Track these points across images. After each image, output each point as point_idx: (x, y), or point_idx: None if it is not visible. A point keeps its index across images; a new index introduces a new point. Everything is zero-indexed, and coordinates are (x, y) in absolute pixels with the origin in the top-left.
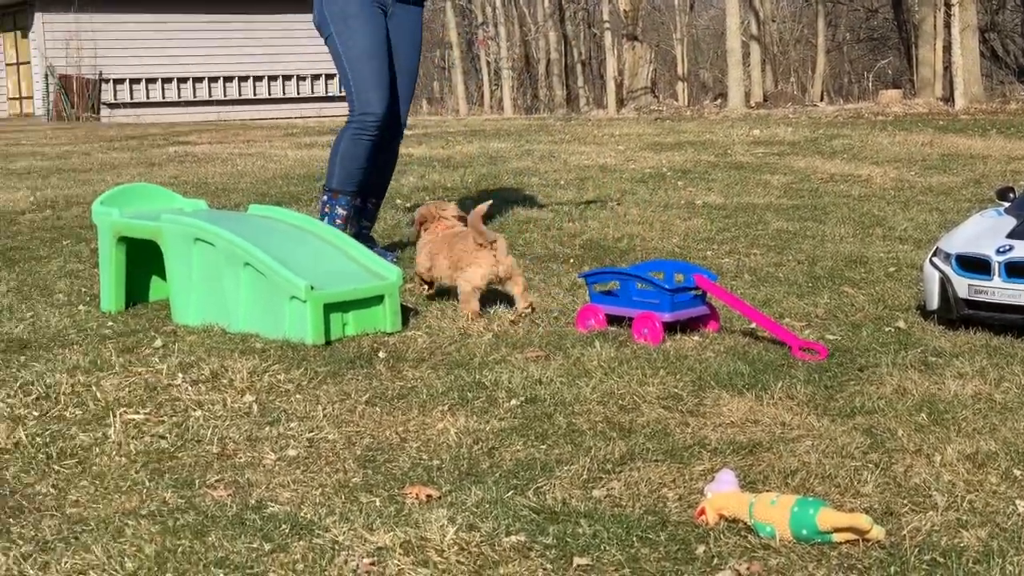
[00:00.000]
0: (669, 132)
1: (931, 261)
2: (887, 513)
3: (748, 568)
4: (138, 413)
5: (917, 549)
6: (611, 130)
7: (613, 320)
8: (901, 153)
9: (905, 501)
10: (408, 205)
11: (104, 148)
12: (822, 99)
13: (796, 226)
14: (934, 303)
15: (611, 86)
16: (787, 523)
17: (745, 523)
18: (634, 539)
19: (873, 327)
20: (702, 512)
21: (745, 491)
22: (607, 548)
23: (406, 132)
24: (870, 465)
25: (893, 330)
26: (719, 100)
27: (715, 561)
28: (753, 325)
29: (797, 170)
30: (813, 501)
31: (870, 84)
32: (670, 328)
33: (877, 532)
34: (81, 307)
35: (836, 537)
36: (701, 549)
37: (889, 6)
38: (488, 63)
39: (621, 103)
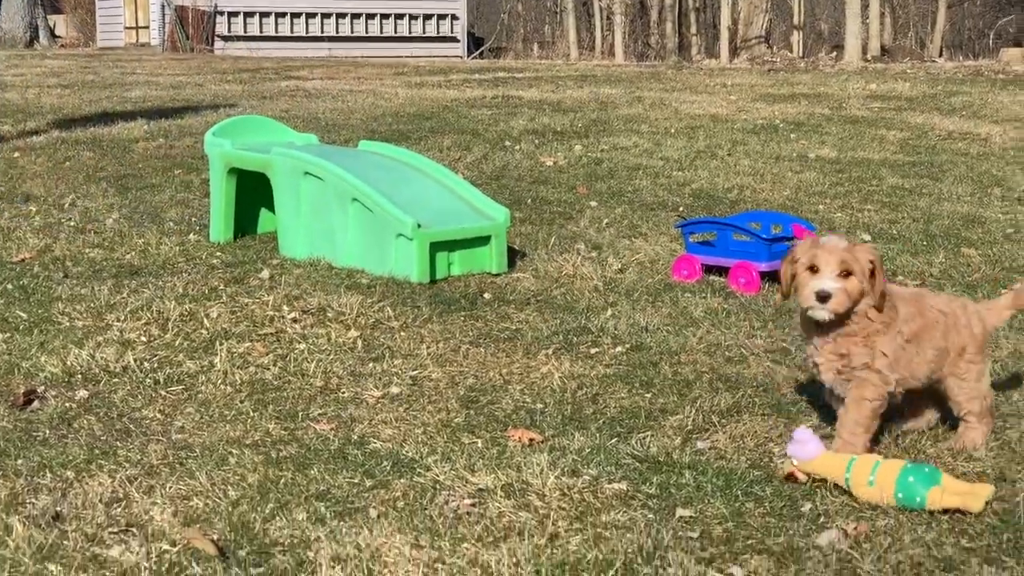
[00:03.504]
0: (783, 83)
1: None
2: (1000, 479)
3: (855, 528)
4: (244, 343)
5: None
6: (723, 79)
7: (711, 270)
8: (1022, 112)
9: (1019, 467)
10: (517, 147)
11: (217, 80)
12: (941, 55)
13: (912, 183)
14: None
15: (724, 35)
16: (892, 503)
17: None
18: (739, 493)
19: (989, 288)
20: (791, 475)
21: (838, 452)
22: (711, 500)
23: (517, 75)
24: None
25: None
26: (834, 52)
27: (821, 519)
28: None
29: (914, 126)
30: (916, 482)
31: (991, 41)
32: (768, 278)
33: (988, 492)
34: (191, 236)
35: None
36: (807, 507)
37: None
38: (600, 8)
39: (734, 52)
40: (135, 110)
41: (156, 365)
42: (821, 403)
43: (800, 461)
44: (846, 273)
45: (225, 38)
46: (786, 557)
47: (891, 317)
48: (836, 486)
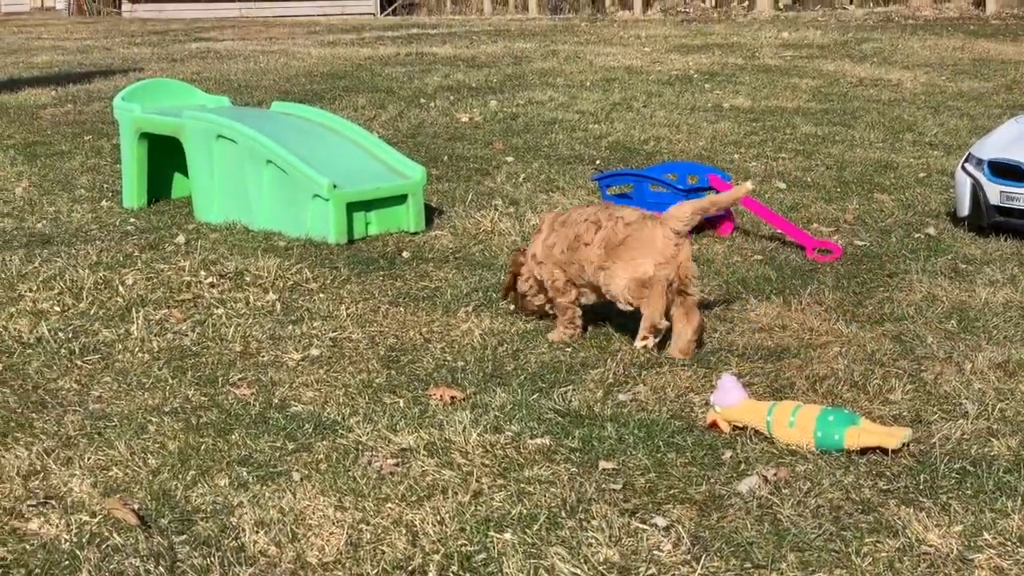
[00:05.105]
0: (696, 34)
1: (963, 167)
2: (916, 421)
3: (775, 474)
4: (161, 310)
5: (947, 458)
6: (637, 31)
7: None
8: (932, 58)
9: (935, 409)
10: (432, 104)
11: (126, 43)
12: (852, 2)
13: (825, 130)
14: (965, 209)
15: None
16: (812, 446)
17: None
18: (660, 443)
19: (903, 233)
20: (714, 424)
21: (760, 400)
22: (633, 452)
23: (431, 32)
24: (899, 372)
25: (923, 236)
26: (747, 1)
27: (742, 467)
28: (778, 229)
29: (826, 74)
30: (835, 422)
31: None
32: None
33: (904, 435)
34: (103, 203)
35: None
36: (728, 454)
37: None
38: None
39: (648, 4)
40: (42, 76)
41: (71, 335)
42: (739, 352)
43: (723, 408)
44: None
45: (133, 0)
46: (708, 505)
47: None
48: (756, 432)
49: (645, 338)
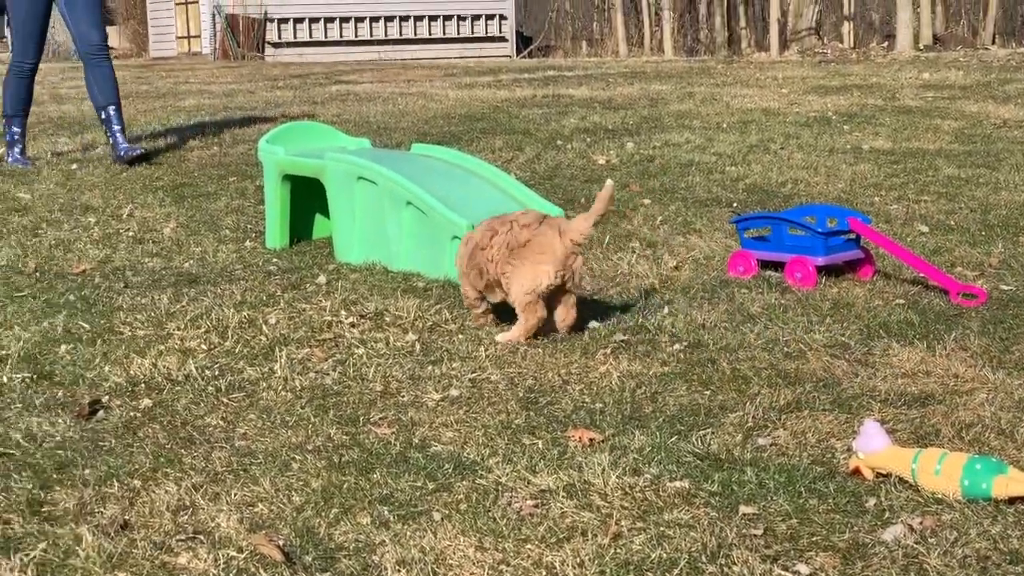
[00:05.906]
0: (834, 75)
1: None
2: None
3: (921, 523)
4: (303, 349)
5: None
6: (774, 73)
7: (767, 266)
8: None
9: None
10: (568, 146)
11: (269, 87)
12: (994, 42)
13: (968, 173)
14: None
15: (774, 27)
16: (959, 495)
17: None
18: (801, 489)
19: None
20: (857, 470)
21: (904, 446)
22: (774, 498)
23: (567, 74)
24: None
25: None
26: (886, 42)
27: (886, 515)
28: (920, 273)
29: (969, 115)
30: (983, 470)
31: None
32: (825, 272)
33: None
34: (247, 243)
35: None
36: (872, 502)
37: None
38: (649, 4)
39: (784, 45)
40: (189, 119)
41: (217, 372)
42: (882, 398)
43: (866, 454)
44: None
45: (276, 44)
46: (852, 553)
47: None
48: (900, 480)
49: (509, 341)
